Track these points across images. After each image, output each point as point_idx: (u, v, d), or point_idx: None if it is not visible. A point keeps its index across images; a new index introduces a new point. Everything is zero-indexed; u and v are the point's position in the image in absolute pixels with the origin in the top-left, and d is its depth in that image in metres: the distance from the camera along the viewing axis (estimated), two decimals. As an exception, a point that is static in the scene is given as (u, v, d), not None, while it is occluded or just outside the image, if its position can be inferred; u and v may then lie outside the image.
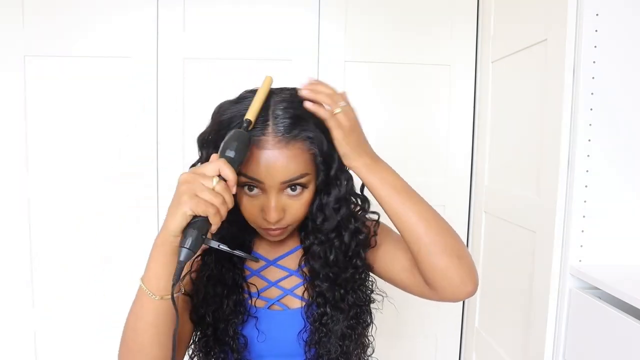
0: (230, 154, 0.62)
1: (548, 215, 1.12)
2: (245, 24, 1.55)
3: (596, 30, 1.02)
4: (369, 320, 0.83)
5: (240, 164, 0.64)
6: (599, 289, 0.99)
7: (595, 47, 1.02)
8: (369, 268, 0.82)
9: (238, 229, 0.77)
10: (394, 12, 1.58)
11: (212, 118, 0.73)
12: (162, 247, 0.61)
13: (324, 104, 0.67)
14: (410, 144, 1.62)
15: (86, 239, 1.57)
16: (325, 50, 1.56)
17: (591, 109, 1.03)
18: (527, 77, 1.28)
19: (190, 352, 0.81)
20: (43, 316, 1.59)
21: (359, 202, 0.79)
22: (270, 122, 0.68)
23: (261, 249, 0.83)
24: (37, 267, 1.57)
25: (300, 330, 0.78)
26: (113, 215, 1.57)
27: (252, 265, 0.82)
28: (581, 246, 1.06)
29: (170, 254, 0.61)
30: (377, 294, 0.85)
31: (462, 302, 1.70)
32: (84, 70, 1.52)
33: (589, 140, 1.04)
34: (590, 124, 1.04)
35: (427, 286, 0.72)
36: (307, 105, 0.66)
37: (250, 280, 0.80)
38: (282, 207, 0.71)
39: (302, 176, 0.70)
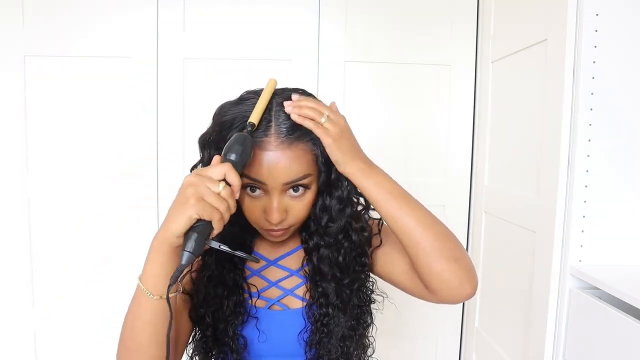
0: (234, 157, 0.63)
1: (548, 215, 1.12)
2: (245, 24, 1.55)
3: (596, 30, 1.02)
4: (369, 321, 0.83)
5: (243, 168, 0.64)
6: (599, 289, 0.99)
7: (595, 47, 1.02)
8: (370, 268, 0.82)
9: (239, 229, 0.77)
10: (394, 12, 1.58)
11: (214, 119, 0.73)
12: (161, 247, 0.61)
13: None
14: (410, 144, 1.62)
15: (86, 239, 1.57)
16: (325, 50, 1.56)
17: (591, 109, 1.03)
18: (527, 77, 1.28)
19: (190, 352, 0.81)
20: (43, 316, 1.59)
21: (362, 202, 0.79)
22: (272, 124, 0.68)
23: (262, 249, 0.83)
24: (37, 267, 1.57)
25: (301, 331, 0.78)
26: (113, 215, 1.57)
27: (253, 265, 0.82)
28: (581, 246, 1.06)
29: (169, 253, 0.61)
30: (378, 295, 0.85)
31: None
32: (84, 70, 1.52)
33: (589, 140, 1.04)
34: (590, 124, 1.04)
35: (425, 289, 0.72)
36: (294, 117, 0.68)
37: (251, 280, 0.80)
38: (285, 208, 0.71)
39: (304, 177, 0.70)
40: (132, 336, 0.64)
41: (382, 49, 1.58)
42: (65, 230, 1.56)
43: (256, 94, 0.71)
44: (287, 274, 0.82)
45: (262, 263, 0.82)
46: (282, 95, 0.71)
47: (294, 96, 0.70)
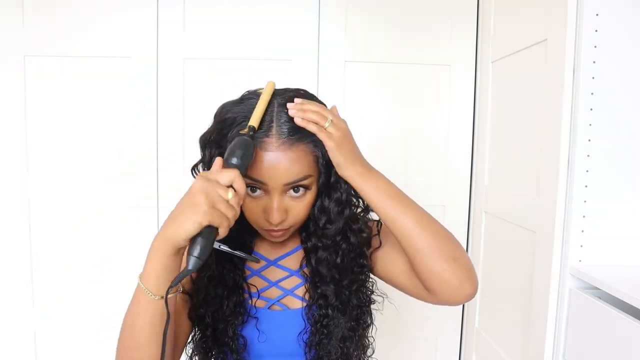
0: (237, 161, 0.63)
1: (548, 215, 1.12)
2: (245, 24, 1.55)
3: (596, 30, 1.02)
4: (369, 321, 0.83)
5: (245, 171, 0.65)
6: (599, 289, 0.99)
7: (595, 47, 1.02)
8: (370, 269, 0.82)
9: (239, 229, 0.77)
10: (394, 12, 1.58)
11: (215, 118, 0.74)
12: (164, 248, 0.60)
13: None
14: (410, 144, 1.62)
15: (86, 239, 1.57)
16: (325, 50, 1.56)
17: (591, 109, 1.03)
18: (527, 77, 1.28)
19: (190, 352, 0.81)
20: (43, 316, 1.59)
21: (360, 204, 0.79)
22: (274, 124, 0.68)
23: (262, 249, 0.83)
24: (37, 267, 1.57)
25: (301, 331, 0.78)
26: (113, 215, 1.57)
27: (253, 265, 0.82)
28: (581, 246, 1.06)
29: (172, 255, 0.61)
30: (378, 295, 0.85)
31: (462, 302, 1.70)
32: (84, 70, 1.52)
33: (589, 140, 1.04)
34: (590, 124, 1.04)
35: (426, 290, 0.73)
36: (297, 121, 0.68)
37: (251, 280, 0.81)
38: (285, 208, 0.71)
39: (304, 178, 0.70)
40: (131, 335, 0.64)
41: (382, 49, 1.58)
42: (65, 230, 1.56)
43: (257, 94, 0.71)
44: (287, 274, 0.82)
45: (262, 263, 0.82)
46: (283, 96, 0.71)
47: (297, 99, 0.70)
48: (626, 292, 0.90)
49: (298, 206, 0.72)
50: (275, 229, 0.73)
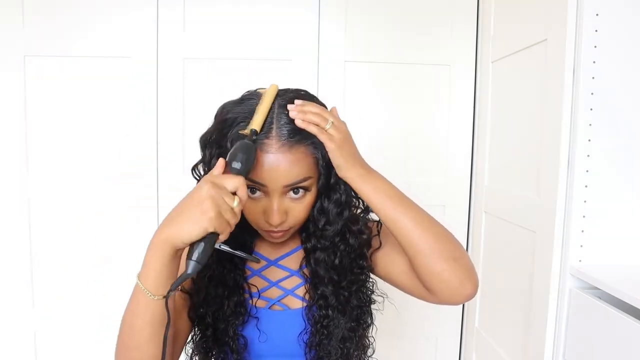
0: (239, 166, 0.63)
1: (548, 215, 1.12)
2: (245, 24, 1.55)
3: (596, 30, 1.02)
4: (369, 321, 0.83)
5: (246, 175, 0.65)
6: (599, 289, 0.99)
7: (595, 47, 1.02)
8: (370, 269, 0.82)
9: (239, 230, 0.77)
10: (394, 12, 1.58)
11: (215, 118, 0.74)
12: (164, 248, 0.60)
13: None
14: (410, 144, 1.62)
15: (86, 239, 1.57)
16: (325, 50, 1.56)
17: (591, 109, 1.03)
18: (527, 77, 1.28)
19: (190, 352, 0.81)
20: (43, 316, 1.59)
21: (360, 205, 0.79)
22: (274, 126, 0.68)
23: (262, 249, 0.83)
24: (37, 267, 1.57)
25: (301, 332, 0.78)
26: (113, 215, 1.57)
27: (253, 265, 0.82)
28: (581, 246, 1.06)
29: (171, 255, 0.61)
30: (378, 295, 0.85)
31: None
32: (84, 70, 1.52)
33: (589, 140, 1.04)
34: (590, 124, 1.04)
35: (426, 289, 0.73)
36: (298, 122, 0.68)
37: (251, 280, 0.81)
38: (285, 210, 0.71)
39: (304, 180, 0.70)
40: (131, 334, 0.64)
41: (382, 49, 1.58)
42: (65, 230, 1.56)
43: (257, 94, 0.71)
44: (287, 274, 0.82)
45: (263, 263, 0.82)
46: (284, 97, 0.71)
47: (297, 100, 0.70)
48: (626, 292, 0.90)
49: (298, 207, 0.72)
50: (275, 230, 0.73)
